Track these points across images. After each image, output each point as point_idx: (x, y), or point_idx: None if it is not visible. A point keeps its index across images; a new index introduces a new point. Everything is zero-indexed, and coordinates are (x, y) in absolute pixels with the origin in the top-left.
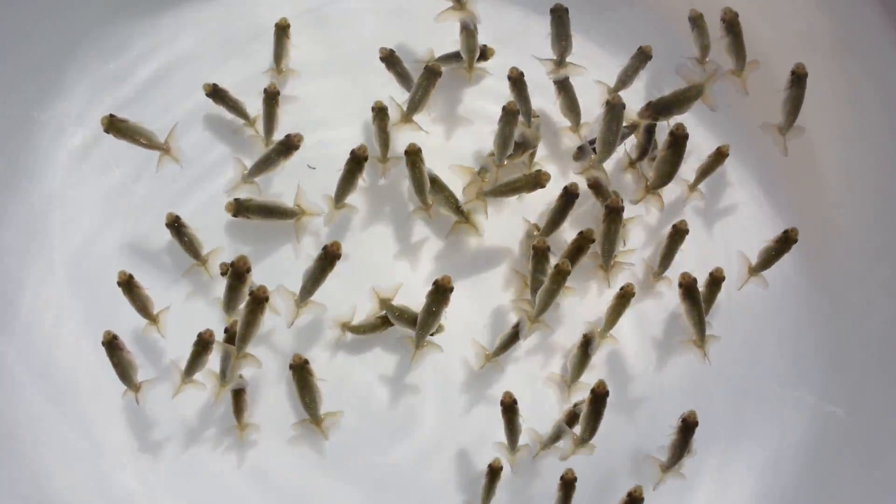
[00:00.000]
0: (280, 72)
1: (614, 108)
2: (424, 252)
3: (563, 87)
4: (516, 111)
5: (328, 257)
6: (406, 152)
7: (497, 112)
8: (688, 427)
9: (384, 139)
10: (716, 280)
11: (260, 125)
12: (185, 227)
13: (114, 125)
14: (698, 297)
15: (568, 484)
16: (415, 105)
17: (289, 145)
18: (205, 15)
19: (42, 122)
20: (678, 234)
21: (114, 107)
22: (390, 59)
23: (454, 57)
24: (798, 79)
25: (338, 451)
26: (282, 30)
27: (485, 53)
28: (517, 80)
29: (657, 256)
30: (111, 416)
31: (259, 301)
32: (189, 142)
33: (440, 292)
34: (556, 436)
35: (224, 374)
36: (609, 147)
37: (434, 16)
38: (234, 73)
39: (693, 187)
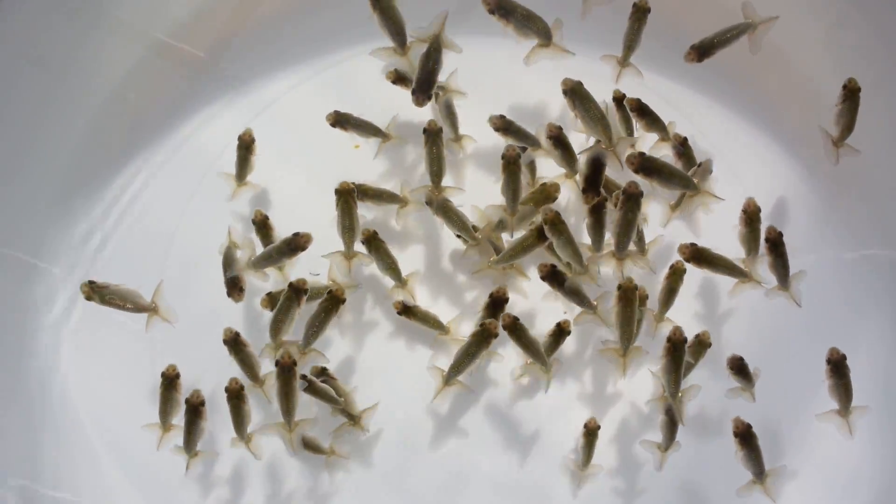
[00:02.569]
0: (243, 185)
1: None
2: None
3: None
4: (517, 156)
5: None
6: (427, 202)
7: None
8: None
9: (389, 263)
10: (702, 342)
11: None
12: (246, 346)
13: (95, 292)
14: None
15: (677, 344)
16: (438, 176)
17: (294, 246)
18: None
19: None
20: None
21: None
22: (340, 119)
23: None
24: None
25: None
26: (246, 145)
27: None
28: (505, 129)
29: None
30: None
31: (287, 369)
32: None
33: (484, 336)
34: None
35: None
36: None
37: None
38: (201, 204)
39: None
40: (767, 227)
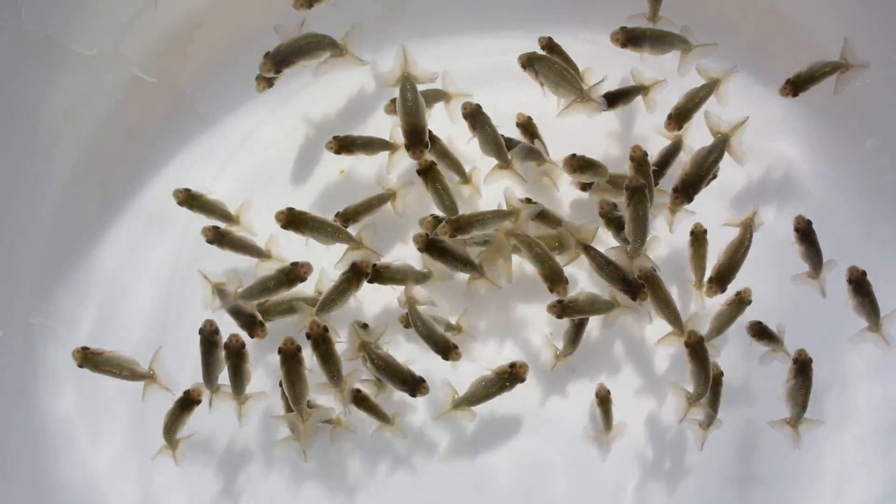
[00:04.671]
0: (236, 222)
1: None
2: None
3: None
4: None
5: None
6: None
7: None
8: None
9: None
10: (742, 300)
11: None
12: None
13: (88, 359)
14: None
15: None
16: (452, 210)
17: (293, 276)
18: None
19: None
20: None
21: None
22: (344, 143)
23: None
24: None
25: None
26: (191, 198)
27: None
28: (475, 114)
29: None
30: None
31: (292, 355)
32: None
33: (511, 378)
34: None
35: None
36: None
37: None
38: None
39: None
40: (796, 217)
